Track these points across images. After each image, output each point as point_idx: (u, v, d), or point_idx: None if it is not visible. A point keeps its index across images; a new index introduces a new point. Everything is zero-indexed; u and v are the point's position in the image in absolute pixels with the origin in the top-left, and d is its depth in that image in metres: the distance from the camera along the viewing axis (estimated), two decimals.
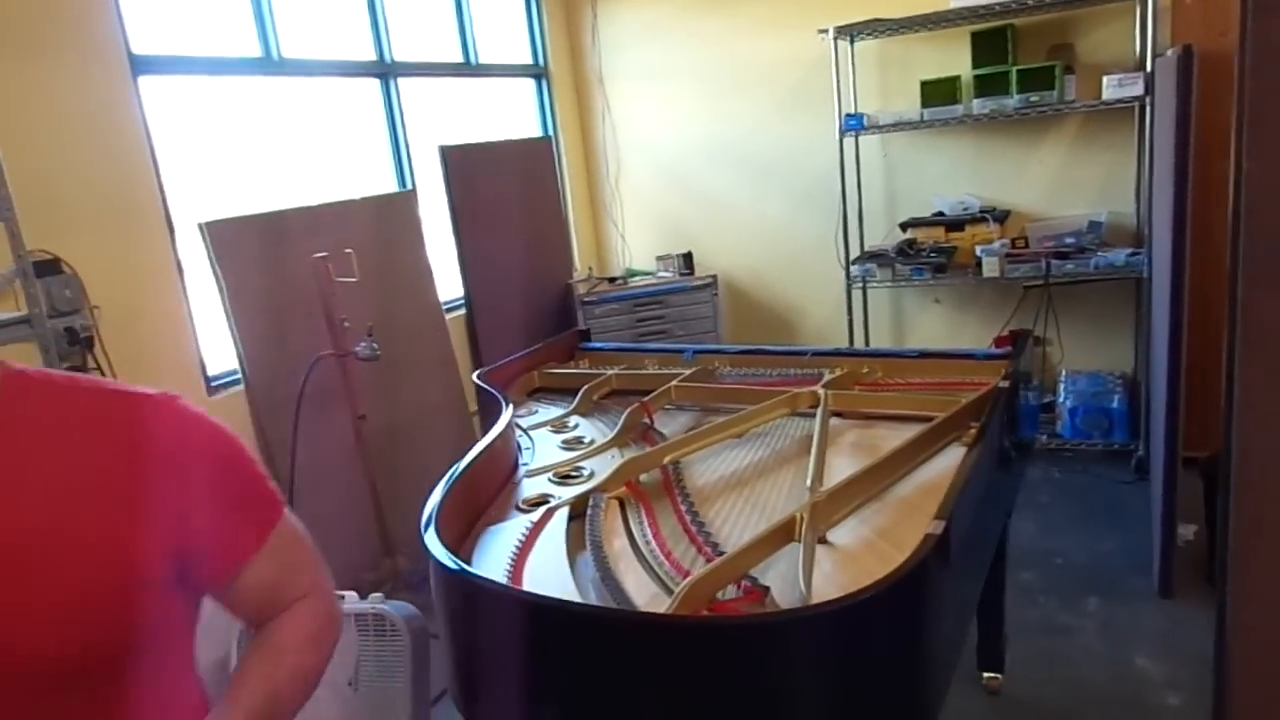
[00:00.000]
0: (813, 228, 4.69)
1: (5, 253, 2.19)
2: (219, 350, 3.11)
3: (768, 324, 4.98)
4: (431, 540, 1.49)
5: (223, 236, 3.07)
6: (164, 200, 2.90)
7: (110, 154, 2.73)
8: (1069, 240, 4.08)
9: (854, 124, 4.22)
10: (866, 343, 4.62)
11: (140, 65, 2.83)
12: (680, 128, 4.93)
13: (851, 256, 4.41)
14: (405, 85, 3.98)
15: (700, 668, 1.18)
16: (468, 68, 4.42)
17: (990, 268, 4.02)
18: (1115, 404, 4.07)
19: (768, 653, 1.16)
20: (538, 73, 4.91)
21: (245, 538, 1.03)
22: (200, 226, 3.02)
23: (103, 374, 2.67)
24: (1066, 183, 4.25)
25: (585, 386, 2.54)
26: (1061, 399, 4.19)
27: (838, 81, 4.23)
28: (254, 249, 3.15)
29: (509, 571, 1.54)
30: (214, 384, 3.07)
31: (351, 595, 2.37)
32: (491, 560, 1.61)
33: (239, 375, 3.12)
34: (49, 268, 2.55)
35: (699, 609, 1.34)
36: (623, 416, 2.23)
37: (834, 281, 4.49)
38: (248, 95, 3.35)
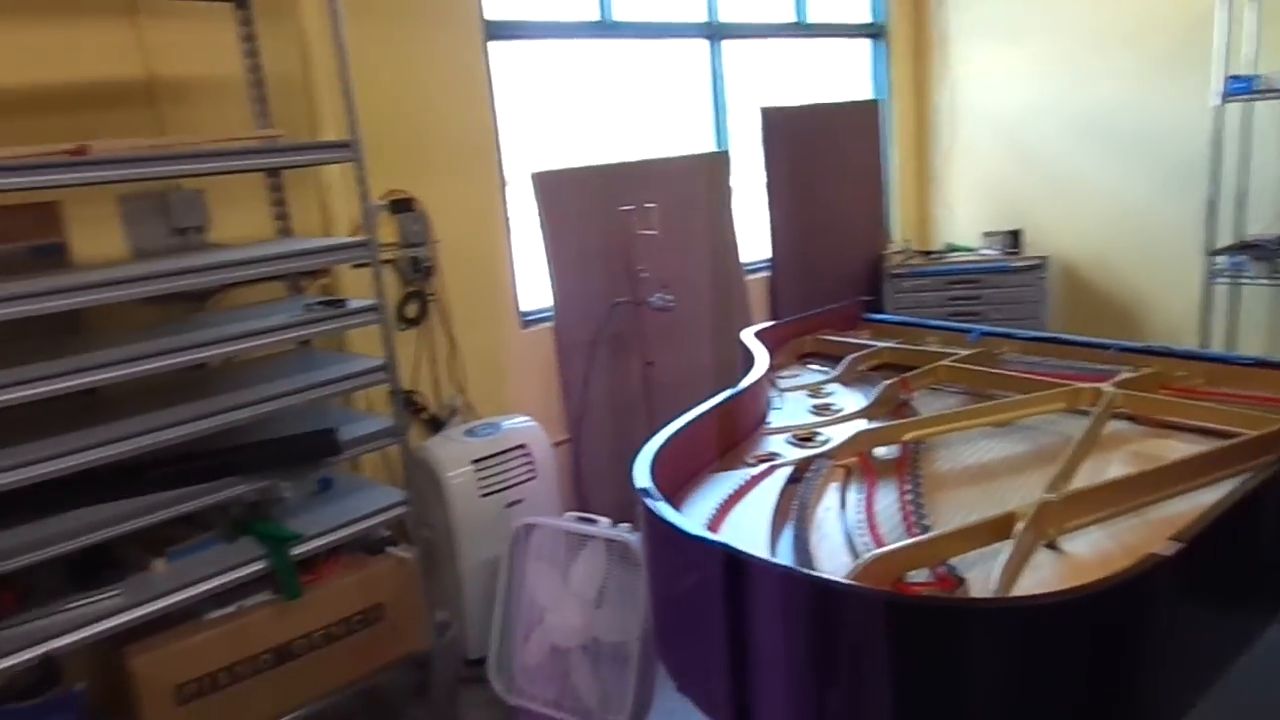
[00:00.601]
0: (1176, 210, 4.05)
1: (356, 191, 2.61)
2: (533, 288, 3.46)
3: (1105, 316, 4.42)
4: (639, 474, 1.58)
5: (549, 185, 3.39)
6: (499, 151, 3.27)
7: (460, 110, 3.13)
8: None
9: (1241, 87, 3.56)
10: (1232, 349, 3.93)
11: (492, 30, 3.20)
12: (1026, 92, 4.49)
13: (1220, 245, 3.76)
14: (733, 46, 4.07)
15: (850, 636, 1.15)
16: (799, 28, 4.40)
17: None
18: None
19: (906, 636, 1.10)
20: (875, 32, 4.74)
21: None
22: (532, 176, 3.36)
23: (437, 301, 3.11)
24: None
25: (851, 355, 2.48)
26: None
27: (1229, 35, 3.58)
28: (574, 198, 3.45)
29: (710, 517, 1.59)
30: (526, 319, 3.43)
31: (604, 521, 2.58)
32: (701, 505, 1.67)
33: (549, 313, 3.45)
34: (404, 205, 3.01)
35: (880, 584, 1.29)
36: (879, 389, 2.16)
37: (1199, 274, 3.86)
38: (582, 56, 3.64)
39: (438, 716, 2.59)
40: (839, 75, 4.75)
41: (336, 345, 2.74)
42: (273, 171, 2.61)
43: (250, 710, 2.16)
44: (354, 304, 2.30)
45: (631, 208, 3.28)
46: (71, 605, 1.92)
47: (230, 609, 2.17)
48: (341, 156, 2.19)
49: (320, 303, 2.32)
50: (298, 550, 2.19)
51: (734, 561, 1.33)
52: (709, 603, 1.41)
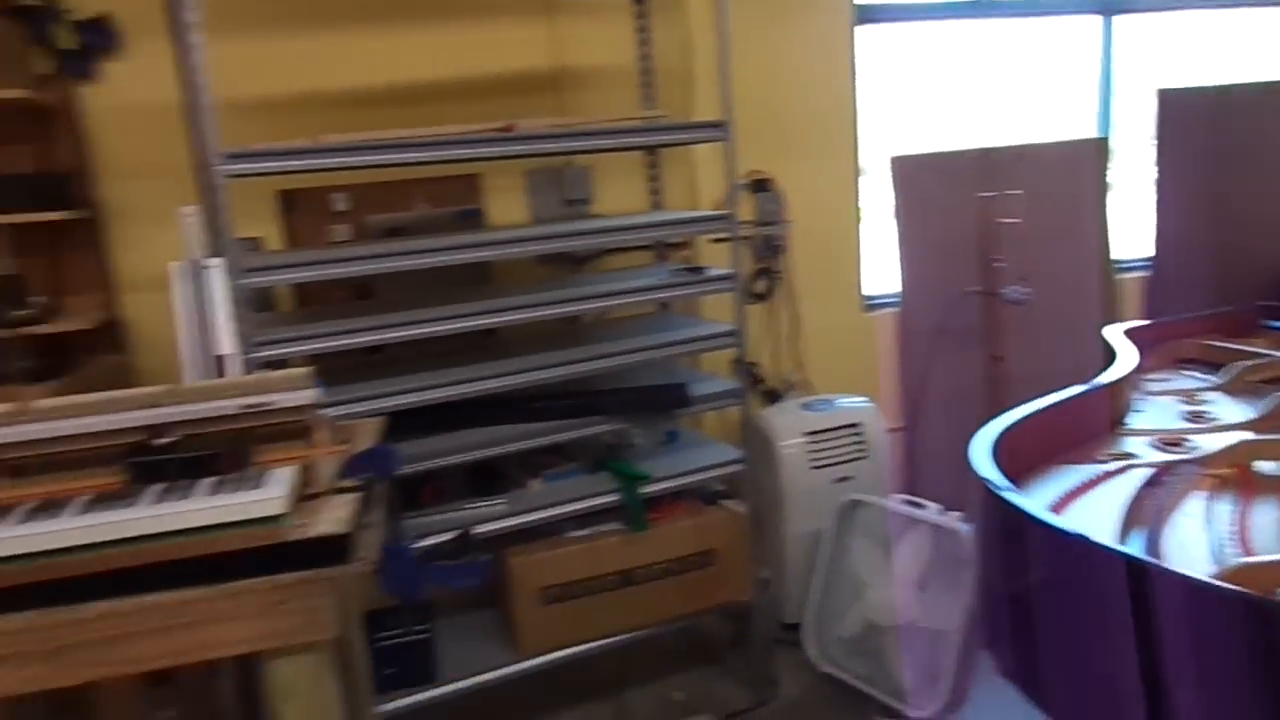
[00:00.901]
0: None
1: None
2: (877, 272, 3.46)
3: None
4: (979, 461, 1.57)
5: (907, 170, 3.37)
6: (857, 136, 3.31)
7: (823, 94, 3.21)
8: None
9: None
10: None
11: (862, 15, 3.23)
12: None
13: None
14: (1129, 21, 3.72)
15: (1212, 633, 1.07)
16: None
17: None
18: None
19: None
20: None
21: None
22: (890, 160, 3.36)
23: (784, 279, 3.24)
24: None
25: (1244, 364, 2.21)
26: None
27: None
28: (932, 183, 3.38)
29: (1053, 504, 1.54)
30: (869, 303, 3.44)
31: (934, 506, 2.55)
32: (1043, 492, 1.62)
33: (893, 299, 3.43)
34: (762, 185, 3.17)
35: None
36: (1272, 400, 1.91)
37: None
38: (950, 37, 3.54)
39: (754, 668, 2.74)
40: (1261, 52, 4.12)
41: (690, 311, 2.98)
42: (650, 150, 2.89)
43: (597, 622, 2.47)
44: (712, 272, 2.50)
45: (993, 195, 3.16)
46: (470, 506, 2.34)
47: (587, 531, 2.50)
48: (714, 136, 2.38)
49: (682, 269, 2.55)
50: (646, 489, 2.45)
51: (1134, 569, 1.23)
52: (1075, 603, 1.32)
